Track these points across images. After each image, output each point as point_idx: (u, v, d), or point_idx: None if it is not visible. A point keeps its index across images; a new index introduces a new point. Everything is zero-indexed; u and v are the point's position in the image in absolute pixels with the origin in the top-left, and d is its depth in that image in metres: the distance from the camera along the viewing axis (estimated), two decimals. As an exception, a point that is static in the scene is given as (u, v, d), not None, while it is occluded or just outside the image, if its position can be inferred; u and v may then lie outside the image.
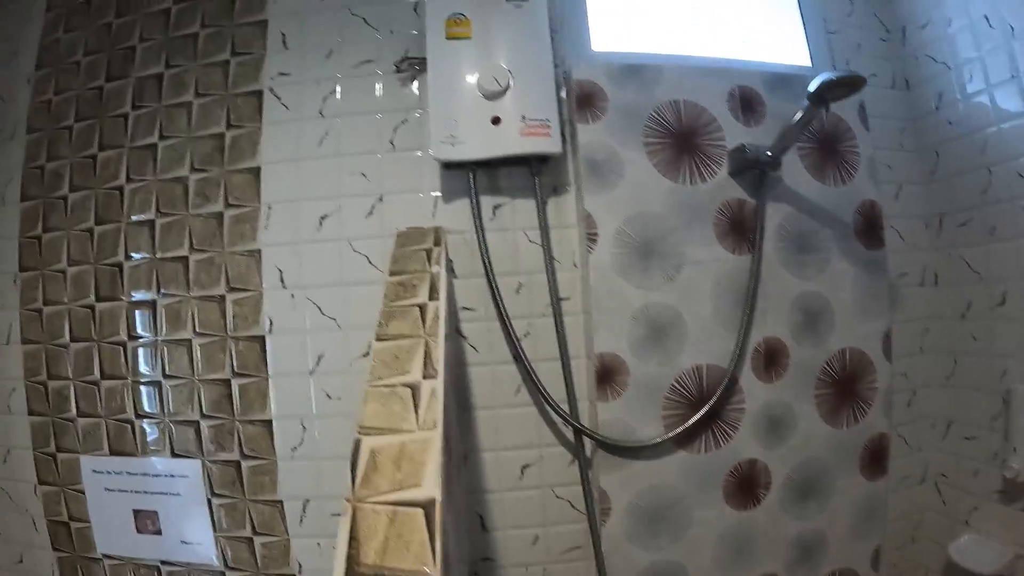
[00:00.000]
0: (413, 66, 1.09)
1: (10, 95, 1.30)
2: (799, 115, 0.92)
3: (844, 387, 1.07)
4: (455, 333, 1.04)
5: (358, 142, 1.09)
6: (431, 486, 0.50)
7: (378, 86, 1.11)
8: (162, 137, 1.18)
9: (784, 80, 1.09)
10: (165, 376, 1.10)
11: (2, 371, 1.17)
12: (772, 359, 1.04)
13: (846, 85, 0.87)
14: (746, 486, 1.06)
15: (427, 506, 0.48)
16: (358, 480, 0.52)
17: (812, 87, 0.88)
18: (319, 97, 1.12)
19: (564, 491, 1.06)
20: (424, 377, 0.78)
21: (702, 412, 0.98)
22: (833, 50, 1.15)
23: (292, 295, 1.07)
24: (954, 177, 1.17)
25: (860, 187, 1.08)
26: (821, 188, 1.06)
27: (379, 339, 0.85)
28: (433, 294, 0.94)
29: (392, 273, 1.00)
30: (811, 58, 1.13)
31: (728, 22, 1.14)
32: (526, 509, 1.06)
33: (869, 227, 1.08)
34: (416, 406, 0.73)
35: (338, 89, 1.12)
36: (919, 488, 1.22)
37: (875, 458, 1.12)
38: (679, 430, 0.99)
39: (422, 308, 0.90)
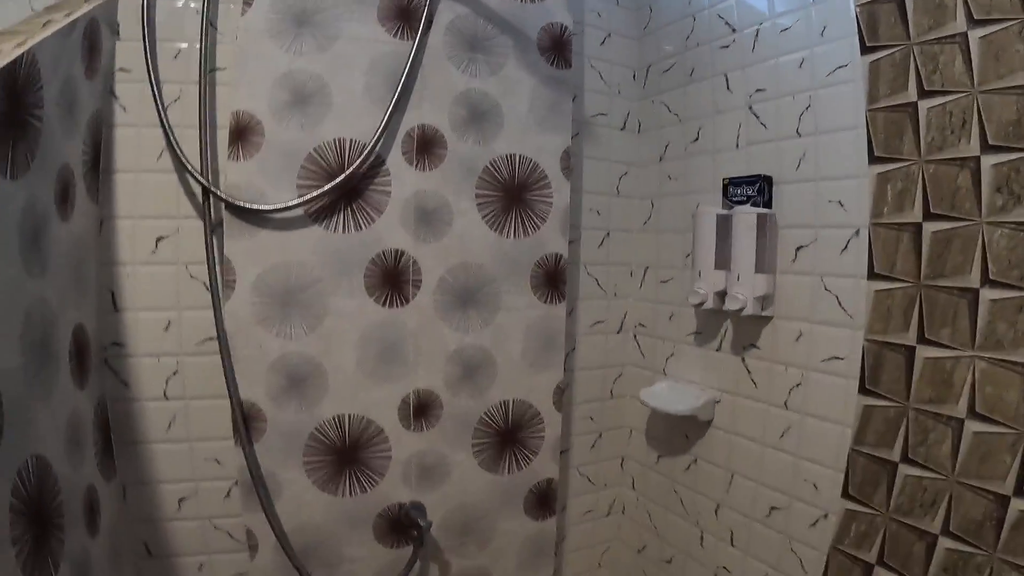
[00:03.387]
0: None
1: None
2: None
3: (512, 194, 1.04)
4: (108, 94, 1.01)
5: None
6: None
7: None
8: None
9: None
10: None
11: None
12: (426, 147, 1.00)
13: None
14: (393, 281, 0.99)
15: None
16: None
17: None
18: None
19: (198, 270, 0.98)
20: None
21: (337, 181, 0.93)
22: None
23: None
24: (663, 28, 1.20)
25: (552, 9, 1.10)
26: None
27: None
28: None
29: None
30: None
31: None
32: (158, 289, 0.98)
33: (556, 47, 1.08)
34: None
35: None
36: (616, 338, 1.15)
37: (551, 282, 1.07)
38: (311, 196, 0.93)
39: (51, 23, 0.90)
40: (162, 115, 0.96)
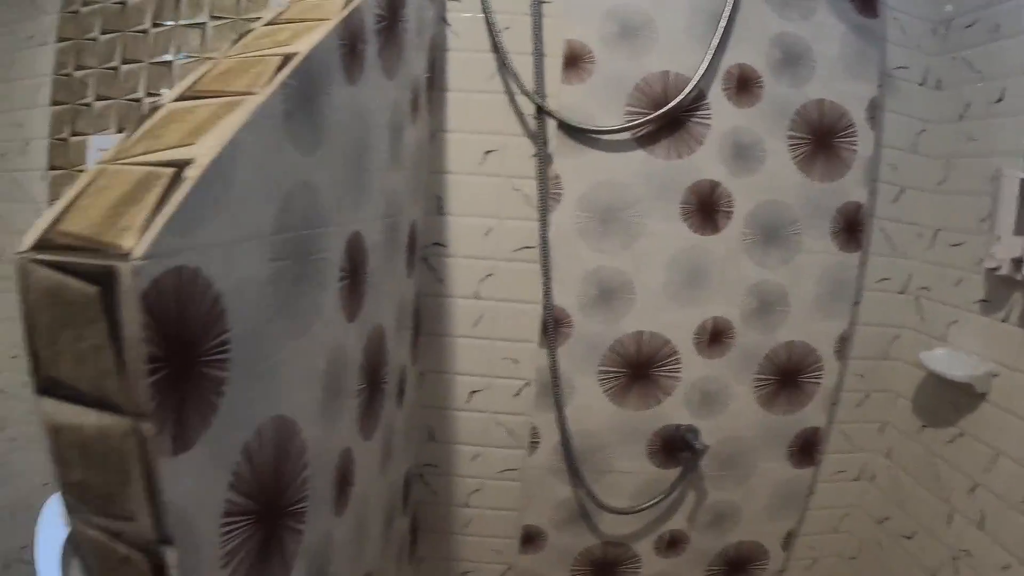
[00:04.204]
0: None
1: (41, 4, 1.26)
2: None
3: (820, 139, 1.05)
4: (441, 20, 1.11)
5: None
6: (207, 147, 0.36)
7: None
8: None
9: None
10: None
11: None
12: (743, 85, 1.03)
13: None
14: (706, 210, 1.04)
15: (182, 166, 0.34)
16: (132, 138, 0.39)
17: None
18: None
19: (522, 183, 1.07)
20: None
21: (664, 109, 0.99)
22: None
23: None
24: (964, -14, 1.18)
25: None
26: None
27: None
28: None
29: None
30: None
31: None
32: (483, 198, 1.07)
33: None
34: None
35: None
36: (898, 299, 1.13)
37: (849, 229, 1.08)
38: (640, 121, 1.00)
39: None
40: (497, 41, 1.06)
